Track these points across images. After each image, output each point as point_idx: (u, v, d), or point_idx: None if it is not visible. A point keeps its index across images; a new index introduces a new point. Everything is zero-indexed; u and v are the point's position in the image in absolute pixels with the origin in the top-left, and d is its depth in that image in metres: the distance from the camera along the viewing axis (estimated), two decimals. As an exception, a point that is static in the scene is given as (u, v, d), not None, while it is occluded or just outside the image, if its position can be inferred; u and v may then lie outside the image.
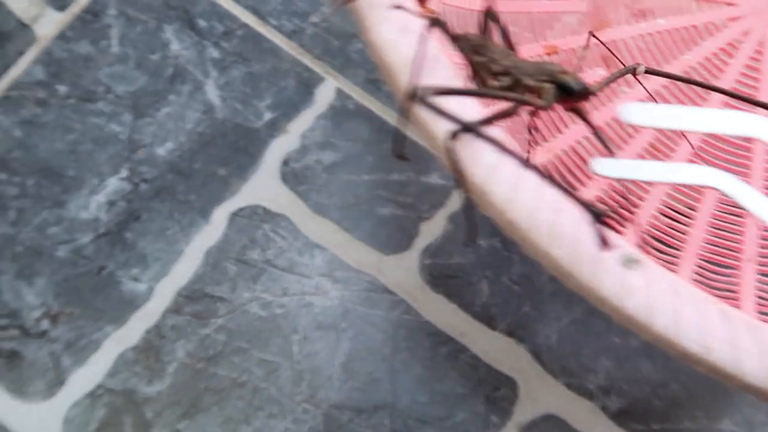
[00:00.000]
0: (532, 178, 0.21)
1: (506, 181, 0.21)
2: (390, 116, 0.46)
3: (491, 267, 0.43)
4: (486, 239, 0.44)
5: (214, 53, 0.47)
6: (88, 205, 0.45)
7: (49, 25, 0.48)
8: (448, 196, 0.44)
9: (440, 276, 0.43)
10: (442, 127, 0.21)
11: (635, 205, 0.35)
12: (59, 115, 0.46)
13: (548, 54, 0.36)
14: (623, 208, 0.34)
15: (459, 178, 0.22)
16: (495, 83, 0.23)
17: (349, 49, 0.47)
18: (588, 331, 0.42)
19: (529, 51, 0.36)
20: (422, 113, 0.21)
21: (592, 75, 0.36)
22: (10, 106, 0.47)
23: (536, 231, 0.21)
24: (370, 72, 0.47)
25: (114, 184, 0.45)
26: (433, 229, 0.44)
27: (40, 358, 0.43)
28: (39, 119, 0.46)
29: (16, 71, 0.47)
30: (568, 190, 0.21)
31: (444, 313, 0.43)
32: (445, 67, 0.22)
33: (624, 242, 0.21)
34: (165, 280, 0.44)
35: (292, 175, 0.45)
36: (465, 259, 0.43)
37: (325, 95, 0.46)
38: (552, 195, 0.21)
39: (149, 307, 0.43)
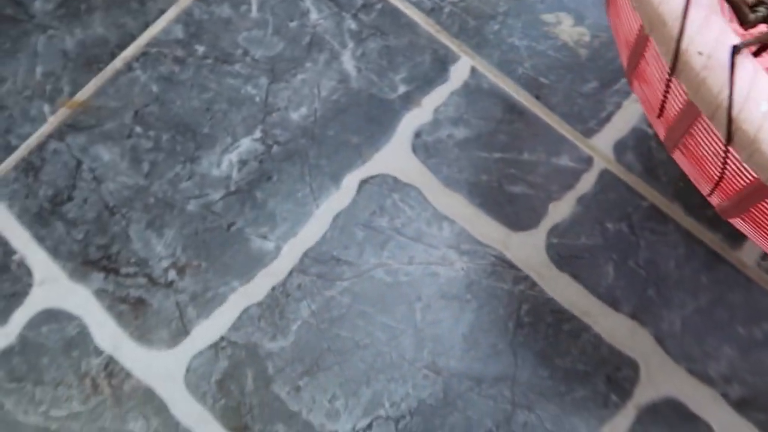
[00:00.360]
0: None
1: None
2: (523, 97, 0.46)
3: (618, 250, 0.43)
4: (614, 223, 0.44)
5: (352, 25, 0.48)
6: (221, 163, 0.46)
7: (190, -13, 0.50)
8: (578, 179, 0.45)
9: (566, 256, 0.44)
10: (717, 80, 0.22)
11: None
12: (196, 74, 0.48)
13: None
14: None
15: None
16: (753, 16, 0.24)
17: (486, 29, 0.48)
18: (712, 320, 0.42)
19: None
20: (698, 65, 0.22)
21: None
22: (149, 61, 0.48)
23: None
24: (505, 53, 0.47)
25: (247, 144, 0.46)
26: (561, 209, 0.44)
27: (167, 308, 0.43)
28: (176, 77, 0.48)
29: (155, 29, 0.49)
30: None
31: (568, 292, 0.43)
32: (716, 16, 0.23)
33: None
34: (293, 241, 0.44)
35: (424, 148, 0.46)
36: (592, 241, 0.44)
37: (459, 73, 0.47)
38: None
39: (276, 265, 0.44)
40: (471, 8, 0.48)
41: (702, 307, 0.42)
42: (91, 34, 0.49)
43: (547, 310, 0.43)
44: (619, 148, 0.45)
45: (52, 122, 0.47)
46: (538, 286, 0.43)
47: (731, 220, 0.30)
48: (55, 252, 0.45)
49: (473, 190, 0.45)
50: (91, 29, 0.49)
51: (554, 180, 0.45)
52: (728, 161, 0.26)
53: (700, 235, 0.43)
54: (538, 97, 0.46)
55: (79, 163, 0.46)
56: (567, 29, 0.47)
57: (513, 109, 0.46)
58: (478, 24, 0.48)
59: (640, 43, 0.28)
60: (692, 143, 0.29)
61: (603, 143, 0.45)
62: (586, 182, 0.45)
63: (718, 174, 0.28)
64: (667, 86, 0.25)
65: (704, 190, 0.31)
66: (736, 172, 0.27)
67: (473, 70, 0.47)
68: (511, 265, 0.43)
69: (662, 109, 0.27)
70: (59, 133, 0.47)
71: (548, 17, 0.48)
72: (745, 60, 0.23)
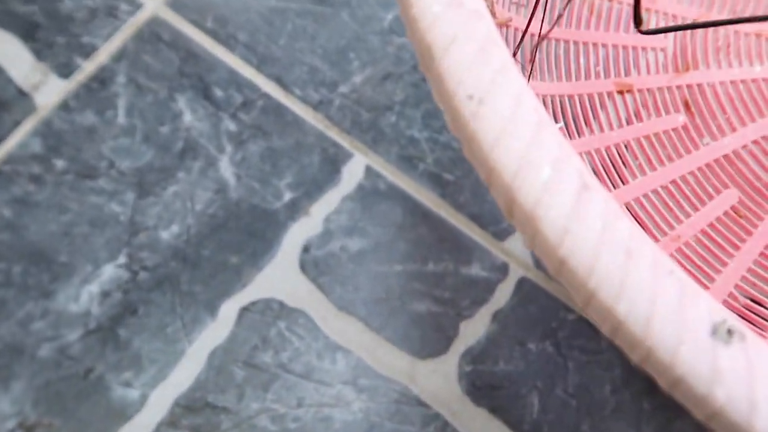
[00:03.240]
0: (599, 204, 0.15)
1: (564, 204, 0.15)
2: (426, 197, 0.40)
3: (543, 376, 0.37)
4: (536, 342, 0.37)
5: (231, 126, 0.42)
6: (79, 296, 0.39)
7: (50, 93, 0.44)
8: (492, 291, 0.38)
9: (483, 386, 0.37)
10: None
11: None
12: (55, 192, 0.41)
13: (620, 93, 0.30)
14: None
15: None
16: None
17: (381, 122, 0.42)
18: (663, 457, 0.35)
19: (596, 88, 0.30)
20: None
21: (672, 120, 0.30)
22: (1, 182, 0.42)
23: (597, 277, 0.15)
24: (404, 148, 0.41)
25: (110, 272, 0.40)
26: (475, 329, 0.38)
27: (14, 476, 0.36)
28: (32, 197, 0.41)
29: (10, 144, 0.43)
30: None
31: (488, 431, 0.36)
32: (496, 46, 0.17)
33: (718, 306, 0.16)
34: (161, 386, 0.37)
35: (313, 265, 0.39)
36: (512, 365, 0.37)
37: (353, 173, 0.41)
38: (627, 230, 0.15)
39: (142, 418, 0.37)
40: (364, 99, 0.43)
41: (647, 441, 0.35)
42: (-60, 154, 0.43)
43: (463, 455, 0.36)
44: (539, 251, 0.39)
45: None
46: (452, 427, 0.36)
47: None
48: None
49: (371, 312, 0.38)
50: (-60, 148, 0.43)
51: (465, 294, 0.38)
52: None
53: (639, 351, 0.37)
54: (442, 197, 0.40)
55: (-77, 303, 0.40)
56: (472, 117, 0.42)
57: (415, 211, 0.40)
58: (372, 117, 0.42)
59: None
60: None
61: (518, 246, 0.39)
62: (502, 294, 0.38)
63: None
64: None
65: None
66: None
67: (368, 170, 0.41)
68: (419, 402, 0.36)
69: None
70: None
71: (449, 105, 0.42)
72: (525, 98, 0.16)
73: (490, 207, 0.40)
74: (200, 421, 0.37)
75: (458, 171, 0.41)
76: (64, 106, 0.44)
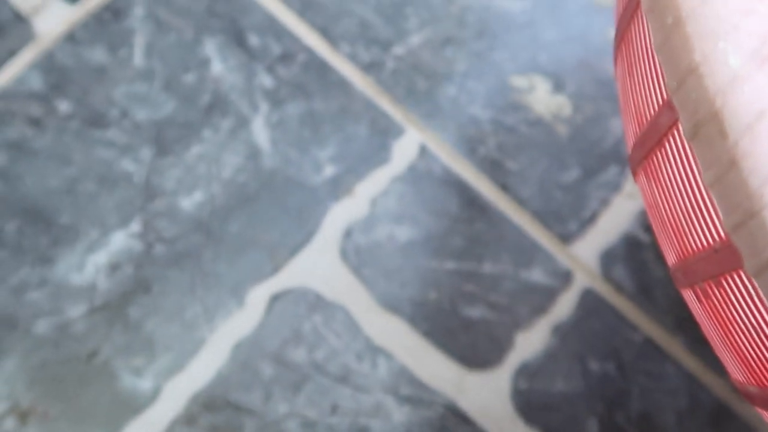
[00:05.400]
0: None
1: None
2: (485, 187, 0.36)
3: (603, 399, 0.34)
4: (599, 362, 0.34)
5: (267, 81, 0.37)
6: (83, 266, 0.34)
7: (54, 20, 0.37)
8: (554, 300, 0.35)
9: (537, 406, 0.33)
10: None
11: None
12: (57, 140, 0.36)
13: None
14: None
15: None
16: None
17: (440, 93, 0.37)
18: (722, 496, 0.33)
19: None
20: None
21: None
22: (-7, 121, 0.36)
23: None
24: (464, 127, 0.37)
25: (120, 240, 0.35)
26: (532, 341, 0.34)
27: (1, 466, 0.32)
28: (29, 144, 0.36)
29: (5, 76, 0.37)
30: None
31: (539, 456, 0.33)
32: None
33: None
34: (177, 378, 0.33)
35: (356, 253, 0.35)
36: (571, 386, 0.34)
37: (404, 151, 0.36)
38: None
39: (153, 413, 0.33)
40: (421, 64, 0.37)
41: (709, 479, 0.33)
42: None
43: (510, 480, 0.33)
44: (607, 259, 0.35)
45: None
46: (500, 447, 0.33)
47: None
48: None
49: (419, 313, 0.34)
50: None
51: (523, 301, 0.34)
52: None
53: (706, 380, 0.34)
54: (504, 188, 0.36)
55: None
56: (543, 98, 0.37)
57: (473, 203, 0.36)
58: (429, 86, 0.37)
59: (664, 114, 0.18)
60: (720, 296, 0.19)
61: (586, 252, 0.35)
62: (564, 305, 0.34)
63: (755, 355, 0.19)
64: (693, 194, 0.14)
65: (726, 360, 0.21)
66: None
67: (422, 148, 0.36)
68: (466, 418, 0.33)
69: (681, 232, 0.17)
70: None
71: (520, 81, 0.37)
72: None
73: (557, 205, 0.36)
74: (221, 421, 0.33)
75: (523, 159, 0.36)
76: (70, 38, 0.37)
